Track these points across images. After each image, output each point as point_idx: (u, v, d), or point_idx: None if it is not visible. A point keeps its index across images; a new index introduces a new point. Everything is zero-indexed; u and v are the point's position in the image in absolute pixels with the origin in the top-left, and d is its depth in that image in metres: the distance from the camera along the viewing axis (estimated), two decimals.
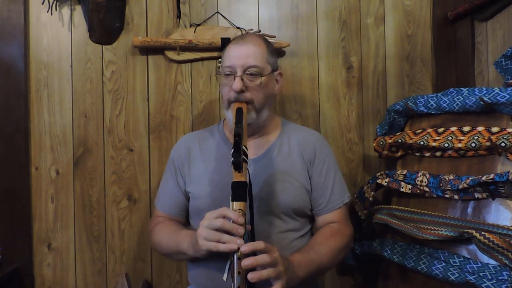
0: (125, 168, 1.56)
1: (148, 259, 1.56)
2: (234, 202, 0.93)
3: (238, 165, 0.93)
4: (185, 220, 1.27)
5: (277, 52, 1.56)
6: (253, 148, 1.21)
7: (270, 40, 1.54)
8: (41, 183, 1.54)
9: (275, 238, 1.12)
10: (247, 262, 0.87)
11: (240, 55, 1.14)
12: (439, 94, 1.31)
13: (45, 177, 1.54)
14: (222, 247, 0.91)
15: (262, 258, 0.89)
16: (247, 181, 0.96)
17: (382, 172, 1.44)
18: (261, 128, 1.23)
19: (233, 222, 0.92)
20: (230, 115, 1.14)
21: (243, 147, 0.97)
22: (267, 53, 1.18)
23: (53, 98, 1.54)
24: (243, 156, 0.96)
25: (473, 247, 1.10)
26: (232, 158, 0.95)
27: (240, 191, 0.93)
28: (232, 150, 0.96)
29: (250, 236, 0.98)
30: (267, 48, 1.19)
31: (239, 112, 1.06)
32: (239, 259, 0.88)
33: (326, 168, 1.21)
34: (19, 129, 1.50)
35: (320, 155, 1.22)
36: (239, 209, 0.92)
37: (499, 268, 1.03)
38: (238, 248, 0.89)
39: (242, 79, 1.12)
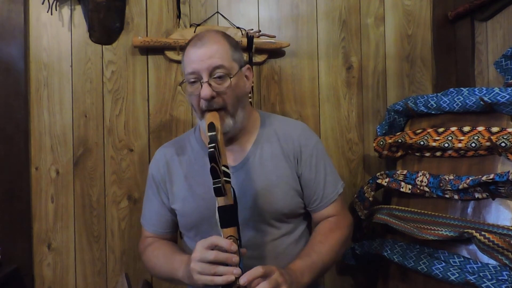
0: (125, 168, 1.56)
1: None
2: (223, 229, 0.88)
3: (219, 190, 0.84)
4: (175, 235, 1.23)
5: (277, 52, 1.58)
6: (232, 154, 1.12)
7: (270, 40, 1.54)
8: (41, 183, 1.53)
9: (269, 246, 1.08)
10: None
11: (202, 58, 1.01)
12: (439, 94, 1.31)
13: (45, 177, 1.54)
14: (219, 281, 0.85)
15: (262, 287, 0.84)
16: (233, 202, 0.90)
17: (382, 172, 1.44)
18: (238, 132, 1.12)
19: (225, 250, 0.86)
20: (205, 125, 1.00)
21: (223, 167, 0.88)
22: (230, 50, 1.06)
23: (53, 98, 1.54)
24: (225, 178, 0.87)
25: (473, 247, 1.10)
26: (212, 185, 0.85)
27: (228, 216, 0.87)
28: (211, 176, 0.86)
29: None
30: (230, 44, 1.07)
31: (211, 128, 0.91)
32: None
33: (315, 162, 1.14)
34: (19, 129, 1.50)
35: (306, 149, 1.13)
36: (230, 236, 0.87)
37: (499, 268, 1.03)
38: (236, 278, 0.84)
39: (210, 85, 1.01)
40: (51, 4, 1.51)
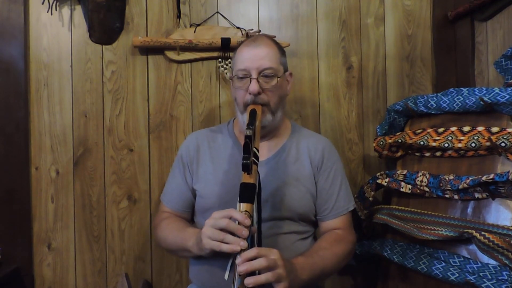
0: (125, 168, 1.56)
1: (148, 259, 1.56)
2: (241, 204, 0.92)
3: (246, 166, 0.91)
4: (191, 217, 1.28)
5: None
6: (264, 149, 1.21)
7: None
8: (41, 183, 1.53)
9: (278, 239, 1.12)
10: (241, 268, 0.87)
11: (254, 58, 1.13)
12: (439, 94, 1.31)
13: (45, 177, 1.54)
14: (225, 248, 0.91)
15: (258, 262, 0.88)
16: (256, 183, 0.95)
17: (382, 172, 1.44)
18: (273, 130, 1.23)
19: (238, 223, 0.91)
20: (245, 118, 1.11)
21: (254, 148, 0.96)
22: (279, 54, 1.18)
23: (53, 98, 1.54)
24: (253, 158, 0.94)
25: (473, 247, 1.10)
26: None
27: (248, 193, 0.93)
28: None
29: (257, 239, 0.97)
30: (279, 49, 1.20)
31: (252, 114, 1.05)
32: None
33: (333, 175, 1.22)
34: (19, 129, 1.50)
35: (328, 161, 1.22)
36: (246, 211, 0.91)
37: (499, 268, 1.03)
38: (241, 250, 0.88)
39: (258, 81, 1.12)
40: (51, 4, 1.51)
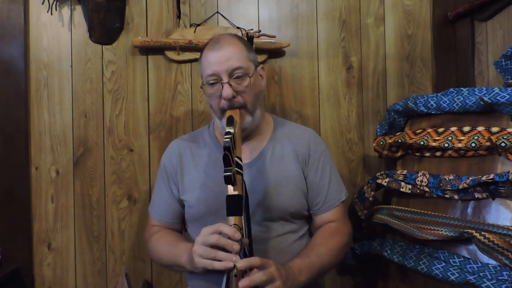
0: (125, 168, 1.56)
1: (148, 259, 1.56)
2: (230, 217, 0.90)
3: (229, 179, 0.88)
4: (181, 227, 1.25)
5: (277, 52, 1.58)
6: (247, 151, 1.17)
7: (270, 40, 1.54)
8: (41, 183, 1.54)
9: (273, 242, 1.10)
10: (243, 284, 0.85)
11: (220, 60, 1.07)
12: (439, 94, 1.31)
13: (45, 177, 1.54)
14: (217, 265, 0.89)
15: (257, 277, 0.87)
16: (243, 193, 0.92)
17: (382, 172, 1.44)
18: (255, 129, 1.18)
19: (229, 238, 0.89)
20: (224, 124, 1.04)
21: (236, 158, 0.93)
22: (246, 51, 1.12)
23: (53, 98, 1.54)
24: (236, 168, 0.91)
25: (473, 247, 1.10)
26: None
27: (235, 205, 0.90)
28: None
29: (248, 249, 0.95)
30: (245, 46, 1.14)
31: (229, 121, 0.97)
32: (236, 276, 0.87)
33: (321, 166, 1.18)
34: (19, 129, 1.50)
35: (314, 154, 1.19)
36: (235, 224, 0.89)
37: (499, 268, 1.03)
38: (235, 265, 0.87)
39: (230, 85, 1.07)
40: (51, 4, 1.51)
